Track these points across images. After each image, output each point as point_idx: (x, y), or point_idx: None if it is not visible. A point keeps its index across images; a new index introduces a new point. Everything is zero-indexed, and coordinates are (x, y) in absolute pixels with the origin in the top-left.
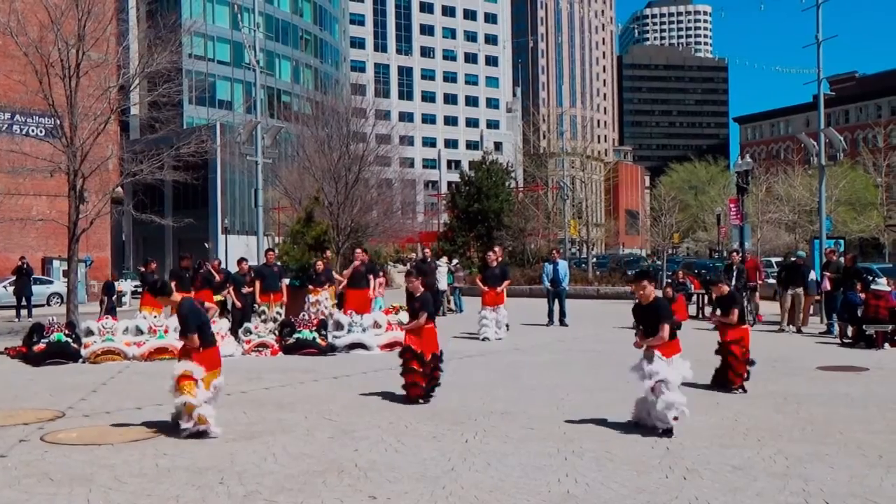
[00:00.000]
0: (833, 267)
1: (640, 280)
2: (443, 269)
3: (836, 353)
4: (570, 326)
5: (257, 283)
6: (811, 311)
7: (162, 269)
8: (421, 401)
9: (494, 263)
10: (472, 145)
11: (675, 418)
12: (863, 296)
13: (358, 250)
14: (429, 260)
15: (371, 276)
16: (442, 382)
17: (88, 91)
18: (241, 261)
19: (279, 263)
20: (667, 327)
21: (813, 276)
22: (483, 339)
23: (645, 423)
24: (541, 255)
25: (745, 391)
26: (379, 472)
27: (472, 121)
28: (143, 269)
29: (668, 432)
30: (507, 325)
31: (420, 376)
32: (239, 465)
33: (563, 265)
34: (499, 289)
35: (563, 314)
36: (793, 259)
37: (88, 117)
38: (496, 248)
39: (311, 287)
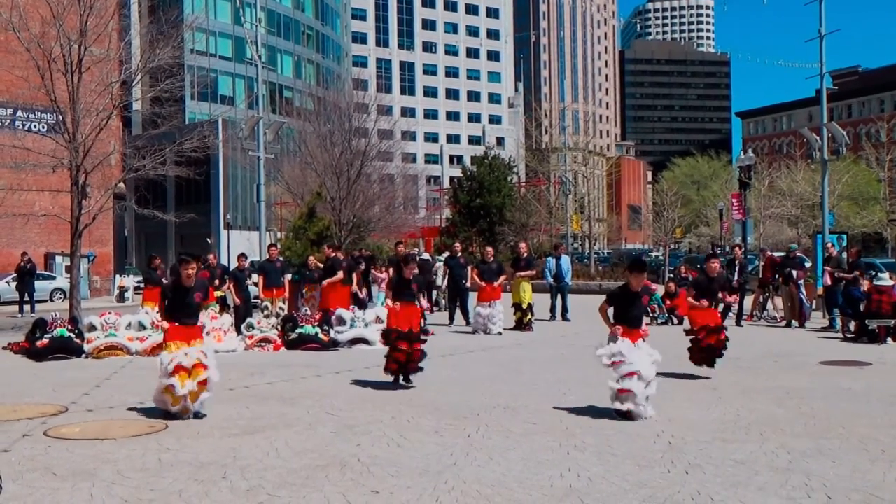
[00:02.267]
0: (833, 262)
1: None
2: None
3: (839, 348)
4: (572, 322)
5: (260, 279)
6: (813, 306)
7: (164, 264)
8: (393, 377)
9: (490, 258)
10: (474, 140)
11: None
12: (866, 284)
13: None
14: (458, 255)
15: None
16: (444, 377)
17: (90, 87)
18: (240, 256)
19: (281, 259)
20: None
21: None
22: (473, 332)
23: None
24: (543, 250)
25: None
26: (381, 467)
27: (475, 116)
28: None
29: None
30: (533, 319)
31: (403, 354)
32: (242, 460)
33: (565, 260)
34: (495, 284)
35: (565, 309)
36: (789, 254)
37: (91, 113)
38: (522, 245)
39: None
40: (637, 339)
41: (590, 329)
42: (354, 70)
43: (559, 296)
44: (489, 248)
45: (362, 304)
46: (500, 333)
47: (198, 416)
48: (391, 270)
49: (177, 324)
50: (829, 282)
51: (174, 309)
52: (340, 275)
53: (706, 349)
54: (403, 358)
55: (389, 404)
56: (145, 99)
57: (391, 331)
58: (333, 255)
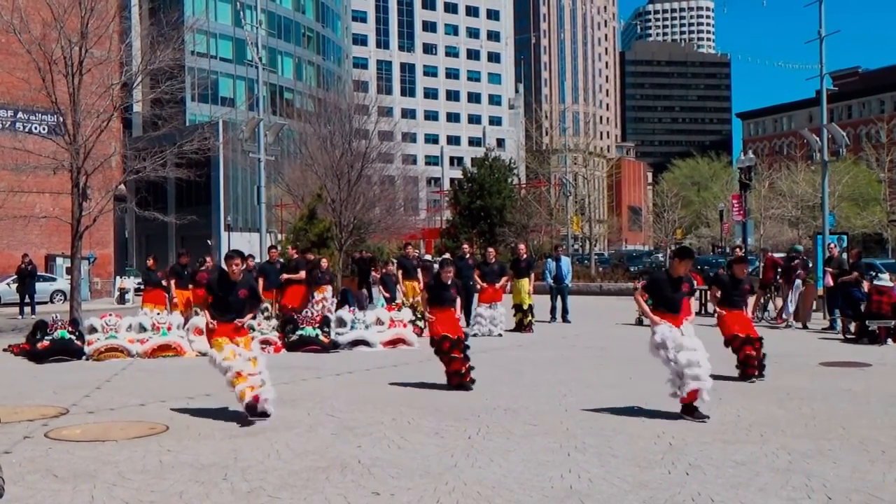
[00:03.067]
0: (834, 263)
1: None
2: None
3: (839, 349)
4: (572, 323)
5: (260, 280)
6: (814, 307)
7: (163, 265)
8: (464, 388)
9: (492, 259)
10: (474, 142)
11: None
12: (866, 285)
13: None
14: (466, 257)
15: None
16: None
17: (91, 88)
18: (249, 257)
19: (282, 260)
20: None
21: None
22: (472, 335)
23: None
24: (543, 251)
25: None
26: (382, 468)
27: (475, 117)
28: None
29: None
30: (533, 321)
31: (461, 362)
32: (242, 462)
33: (565, 262)
34: (497, 285)
35: (565, 311)
36: (792, 254)
37: (91, 115)
38: (521, 246)
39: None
40: (680, 324)
41: (590, 330)
42: (355, 72)
43: (559, 297)
44: (491, 249)
45: (362, 305)
46: (500, 335)
47: (265, 414)
48: (400, 272)
49: (221, 321)
50: (830, 282)
51: (220, 305)
52: (302, 274)
53: (743, 361)
54: (460, 366)
55: (390, 406)
56: (146, 101)
57: (444, 338)
58: (297, 256)
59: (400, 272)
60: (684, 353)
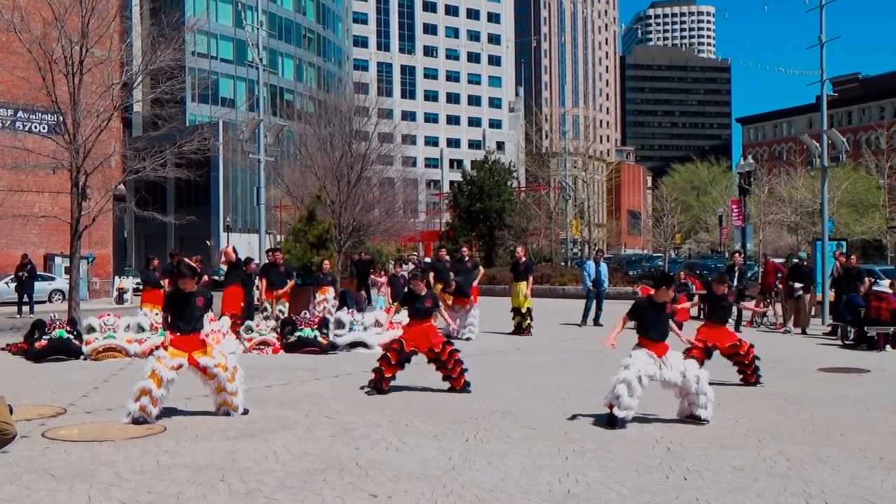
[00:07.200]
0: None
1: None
2: None
3: (838, 355)
4: (568, 326)
5: (263, 281)
6: (812, 313)
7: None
8: (374, 392)
9: (469, 263)
10: (474, 144)
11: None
12: (863, 290)
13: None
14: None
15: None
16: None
17: (91, 88)
18: (248, 261)
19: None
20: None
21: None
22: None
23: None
24: (542, 255)
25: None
26: (380, 471)
27: (475, 120)
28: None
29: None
30: (532, 324)
31: (390, 369)
32: (240, 463)
33: (604, 266)
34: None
35: (599, 312)
36: (795, 260)
37: (91, 114)
38: (520, 249)
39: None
40: (664, 353)
41: (588, 334)
42: (355, 73)
43: (595, 301)
44: (464, 250)
45: (361, 307)
46: (469, 339)
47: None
48: (432, 274)
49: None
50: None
51: (178, 318)
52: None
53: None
54: (389, 374)
55: (388, 408)
56: (146, 101)
57: (398, 342)
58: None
59: (431, 274)
60: (632, 371)
